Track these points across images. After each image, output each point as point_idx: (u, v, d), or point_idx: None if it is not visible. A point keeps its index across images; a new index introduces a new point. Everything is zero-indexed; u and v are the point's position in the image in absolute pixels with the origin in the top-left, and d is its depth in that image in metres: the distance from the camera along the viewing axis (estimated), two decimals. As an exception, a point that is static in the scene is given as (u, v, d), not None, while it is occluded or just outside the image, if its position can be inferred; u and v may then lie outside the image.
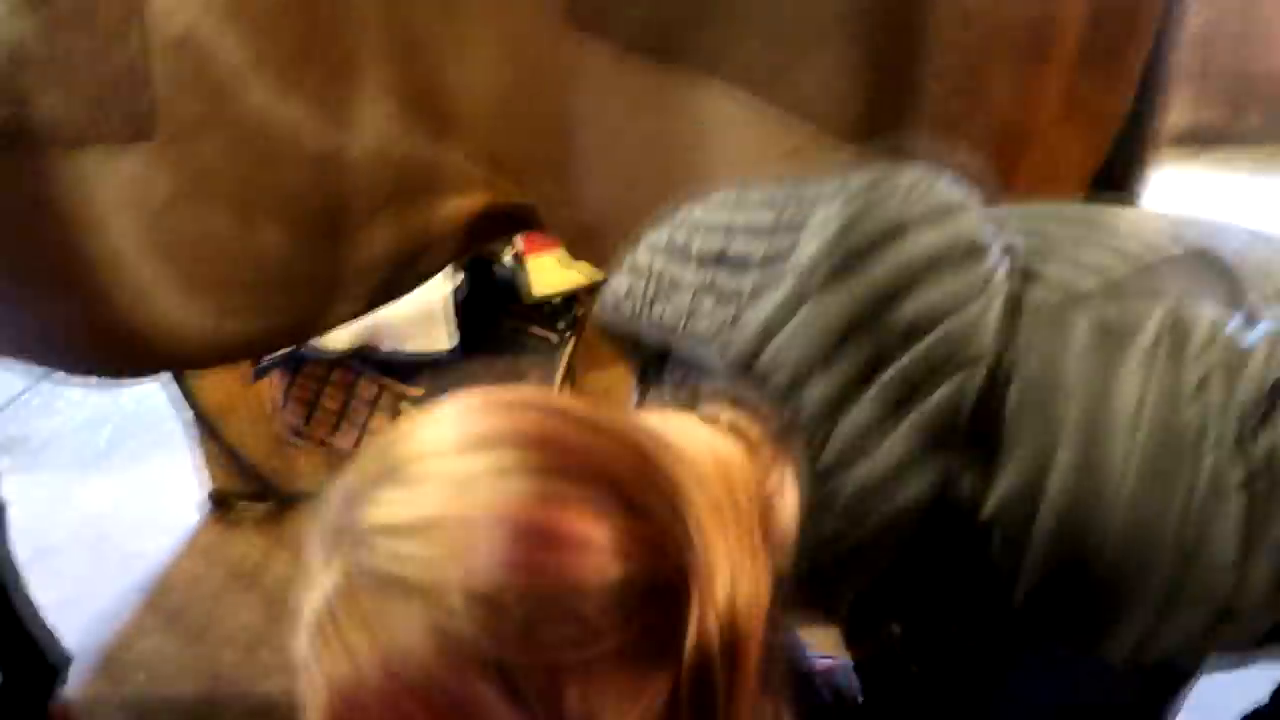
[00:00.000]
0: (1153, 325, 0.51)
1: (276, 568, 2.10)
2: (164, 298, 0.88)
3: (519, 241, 1.81)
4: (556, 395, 0.51)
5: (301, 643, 0.48)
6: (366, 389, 1.96)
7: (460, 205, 0.88)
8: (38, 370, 2.58)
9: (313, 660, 0.48)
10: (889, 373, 0.49)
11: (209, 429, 2.21)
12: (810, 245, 0.50)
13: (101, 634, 1.92)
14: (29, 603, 1.62)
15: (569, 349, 1.96)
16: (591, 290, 1.95)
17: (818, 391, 0.49)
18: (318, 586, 0.47)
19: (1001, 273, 0.53)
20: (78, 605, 1.75)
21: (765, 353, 0.50)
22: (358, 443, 2.00)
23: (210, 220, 0.85)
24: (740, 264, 0.54)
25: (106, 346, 0.95)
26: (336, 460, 2.19)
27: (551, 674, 0.43)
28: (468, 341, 1.86)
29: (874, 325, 0.49)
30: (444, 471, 0.47)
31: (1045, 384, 0.50)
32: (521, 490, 0.45)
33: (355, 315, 0.99)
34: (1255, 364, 0.52)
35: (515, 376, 2.01)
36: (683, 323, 0.55)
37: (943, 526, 0.52)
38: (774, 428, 0.51)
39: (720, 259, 0.55)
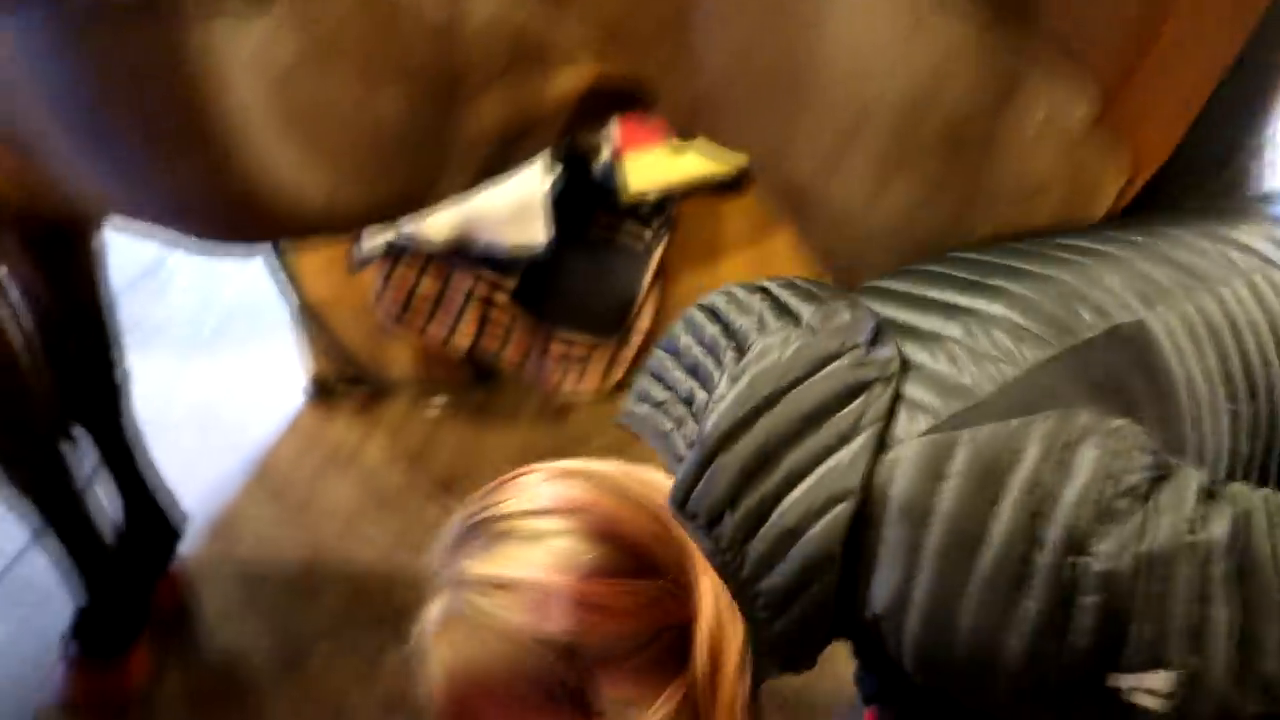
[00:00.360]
0: (1016, 450, 0.60)
1: (372, 451, 2.20)
2: (285, 163, 0.91)
3: (616, 138, 1.80)
4: (598, 466, 0.72)
5: (423, 645, 0.70)
6: (462, 281, 2.00)
7: (572, 79, 0.88)
8: (152, 257, 2.70)
9: (428, 659, 0.69)
10: (778, 511, 0.62)
11: (311, 318, 2.30)
12: (712, 417, 0.64)
13: (211, 506, 2.05)
14: (151, 465, 1.73)
15: (660, 250, 1.97)
16: (687, 193, 1.95)
17: (729, 526, 0.64)
18: (430, 607, 0.70)
19: (877, 406, 0.63)
20: (189, 479, 1.86)
21: (690, 500, 0.65)
22: (450, 334, 2.05)
23: (333, 85, 0.87)
24: (705, 381, 0.69)
25: (231, 212, 0.99)
26: (429, 351, 2.26)
27: (590, 683, 0.65)
28: (561, 239, 1.88)
29: (764, 476, 0.63)
30: (517, 532, 0.68)
31: (915, 510, 0.61)
32: (571, 555, 0.66)
33: (462, 189, 1.00)
34: (1092, 482, 0.58)
35: (605, 277, 2.03)
36: (666, 444, 0.71)
37: (847, 617, 0.66)
38: (704, 550, 0.66)
39: (695, 371, 0.70)
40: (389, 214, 1.07)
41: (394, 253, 1.99)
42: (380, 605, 1.77)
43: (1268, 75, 0.84)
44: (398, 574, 1.83)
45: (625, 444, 2.39)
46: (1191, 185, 0.85)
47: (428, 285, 2.02)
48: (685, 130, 0.92)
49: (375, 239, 1.98)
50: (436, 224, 1.88)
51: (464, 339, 2.06)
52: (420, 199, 1.01)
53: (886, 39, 0.74)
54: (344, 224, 1.05)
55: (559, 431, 2.21)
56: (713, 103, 0.84)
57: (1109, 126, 0.76)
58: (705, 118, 0.87)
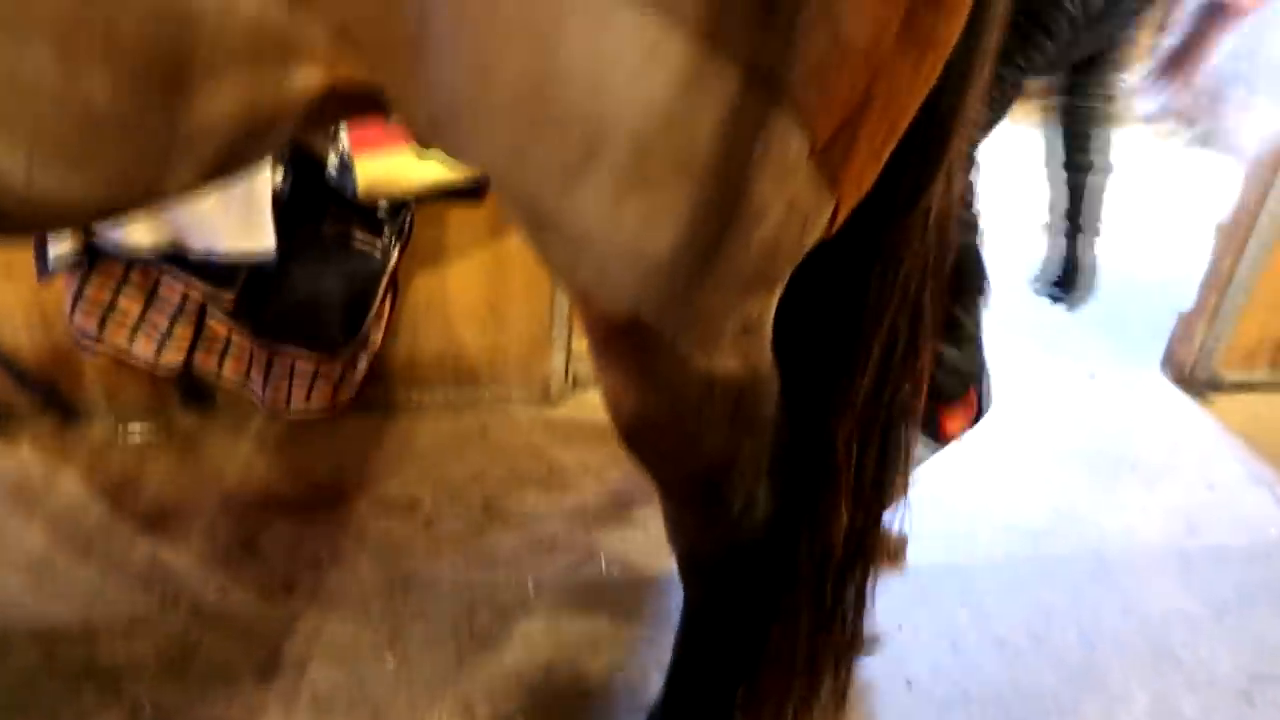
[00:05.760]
0: None
1: (64, 488, 1.94)
2: None
3: (346, 140, 1.71)
4: None
5: None
6: (171, 292, 1.81)
7: (312, 76, 0.82)
8: None
9: None
10: None
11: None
12: None
13: None
14: None
15: (396, 259, 1.90)
16: (422, 199, 1.89)
17: None
18: None
19: None
20: None
21: None
22: (159, 352, 1.85)
23: (26, 57, 0.76)
24: None
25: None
26: (130, 370, 2.03)
27: None
28: (288, 246, 1.75)
29: None
30: None
31: None
32: None
33: (191, 186, 0.90)
34: None
35: (335, 289, 1.92)
36: None
37: None
38: None
39: None
40: (105, 209, 0.94)
41: (89, 260, 1.77)
42: (78, 667, 1.56)
43: (956, 108, 0.96)
44: (101, 629, 1.63)
45: (357, 464, 2.28)
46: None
47: (129, 298, 1.81)
48: (423, 141, 0.90)
49: (66, 241, 1.75)
50: (138, 228, 1.69)
51: (174, 356, 1.87)
52: (141, 193, 0.90)
53: (623, 59, 0.76)
54: (49, 218, 0.92)
55: (286, 455, 2.07)
56: (452, 118, 0.82)
57: (819, 162, 0.84)
58: (444, 132, 0.85)
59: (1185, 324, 2.65)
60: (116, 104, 0.80)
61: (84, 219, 1.11)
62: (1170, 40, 1.48)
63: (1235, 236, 2.47)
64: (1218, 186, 2.95)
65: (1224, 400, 2.60)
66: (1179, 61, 1.58)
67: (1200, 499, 2.24)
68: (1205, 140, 4.22)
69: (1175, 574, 2.00)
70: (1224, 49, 1.52)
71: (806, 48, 0.76)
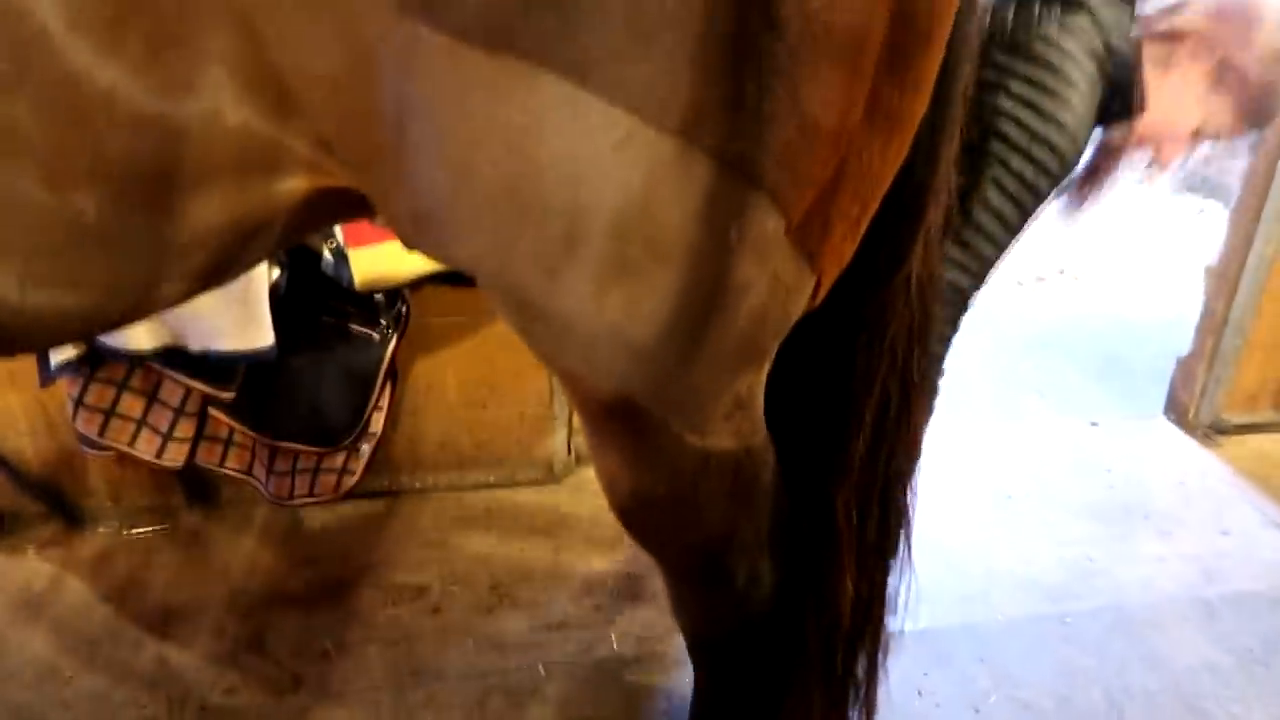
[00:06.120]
0: None
1: (69, 593, 1.94)
2: None
3: (340, 233, 1.75)
4: None
5: None
6: (172, 394, 1.83)
7: (300, 183, 0.85)
8: None
9: None
10: None
11: (-15, 442, 2.00)
12: None
13: None
14: None
15: (393, 346, 1.92)
16: (415, 286, 1.92)
17: None
18: None
19: None
20: None
21: None
22: (161, 451, 1.86)
23: (14, 179, 0.78)
24: None
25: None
26: (135, 472, 2.04)
27: None
28: (287, 341, 1.77)
29: None
30: None
31: None
32: None
33: (185, 295, 0.92)
34: None
35: (334, 382, 1.94)
36: None
37: None
38: None
39: None
40: (100, 322, 0.96)
41: (90, 364, 1.79)
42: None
43: (929, 181, 0.99)
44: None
45: (362, 552, 2.25)
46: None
47: (131, 400, 1.82)
48: (407, 240, 0.92)
49: (68, 347, 1.77)
50: (138, 330, 1.72)
51: (177, 455, 1.88)
52: (134, 305, 0.92)
53: (597, 152, 0.78)
54: (42, 334, 0.93)
55: (291, 547, 2.06)
56: (434, 218, 0.84)
57: (797, 240, 0.85)
58: (427, 231, 0.87)
59: (1185, 368, 2.66)
60: (106, 220, 0.82)
61: (81, 332, 1.13)
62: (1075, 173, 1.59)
63: (1225, 279, 2.49)
64: (1206, 229, 2.99)
65: (1230, 443, 2.59)
66: (1083, 190, 1.67)
67: (1216, 546, 2.21)
68: (1192, 185, 4.29)
69: (1198, 625, 1.96)
70: (1124, 180, 1.64)
71: (775, 133, 0.78)
